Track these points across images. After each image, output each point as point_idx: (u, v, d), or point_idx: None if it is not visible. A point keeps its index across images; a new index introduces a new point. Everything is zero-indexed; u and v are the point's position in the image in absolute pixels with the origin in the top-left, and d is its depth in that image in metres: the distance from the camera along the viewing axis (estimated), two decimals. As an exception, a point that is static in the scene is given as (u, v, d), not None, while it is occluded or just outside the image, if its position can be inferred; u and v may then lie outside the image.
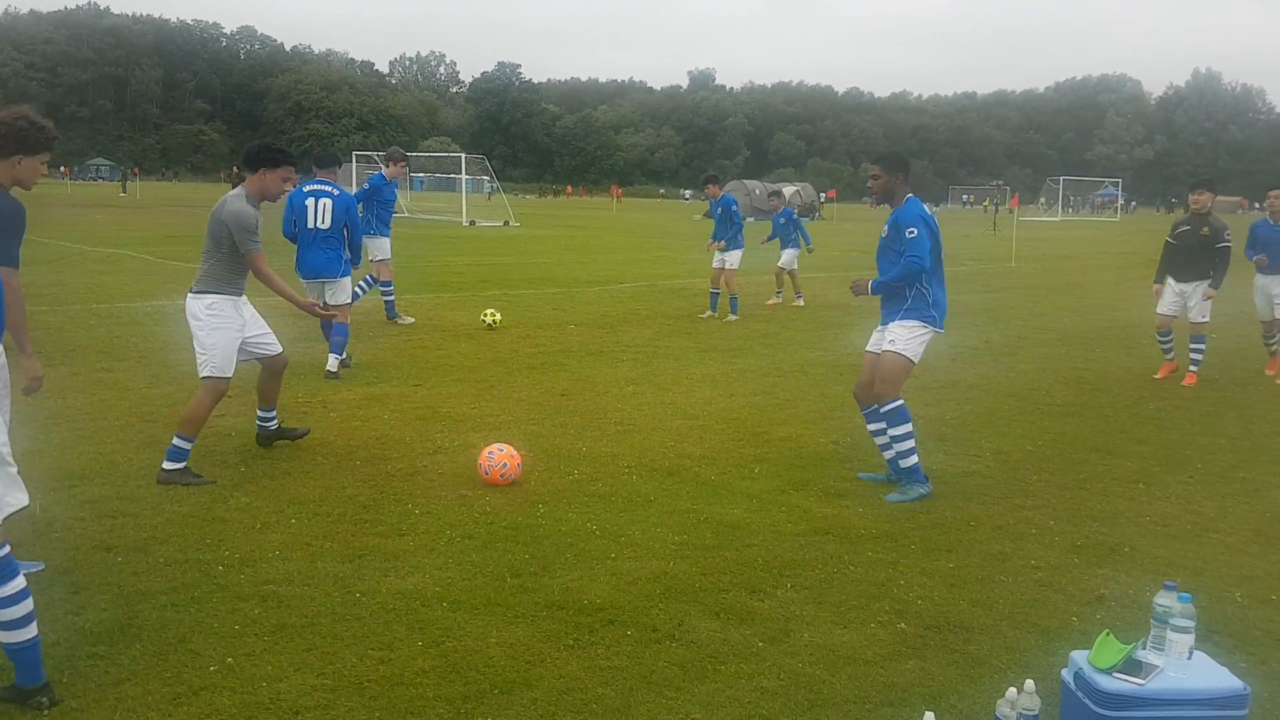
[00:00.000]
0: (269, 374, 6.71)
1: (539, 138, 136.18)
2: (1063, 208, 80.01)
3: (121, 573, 4.69)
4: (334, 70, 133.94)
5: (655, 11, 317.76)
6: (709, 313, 14.41)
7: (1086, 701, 3.30)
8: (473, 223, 40.99)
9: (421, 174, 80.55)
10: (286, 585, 4.60)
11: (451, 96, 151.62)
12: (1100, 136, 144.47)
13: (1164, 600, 3.45)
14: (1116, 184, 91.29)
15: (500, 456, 6.17)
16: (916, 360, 6.25)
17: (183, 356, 9.55)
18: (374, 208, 12.49)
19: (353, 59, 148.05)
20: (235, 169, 50.95)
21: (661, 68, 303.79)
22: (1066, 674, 3.46)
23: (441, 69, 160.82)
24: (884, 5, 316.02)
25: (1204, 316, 10.01)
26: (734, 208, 14.45)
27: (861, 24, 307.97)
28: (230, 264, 6.19)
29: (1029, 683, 3.33)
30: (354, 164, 53.52)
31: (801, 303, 16.10)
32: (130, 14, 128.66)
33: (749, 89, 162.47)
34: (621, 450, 7.07)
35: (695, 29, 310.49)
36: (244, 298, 6.38)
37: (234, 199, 6.20)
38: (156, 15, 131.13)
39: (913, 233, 6.03)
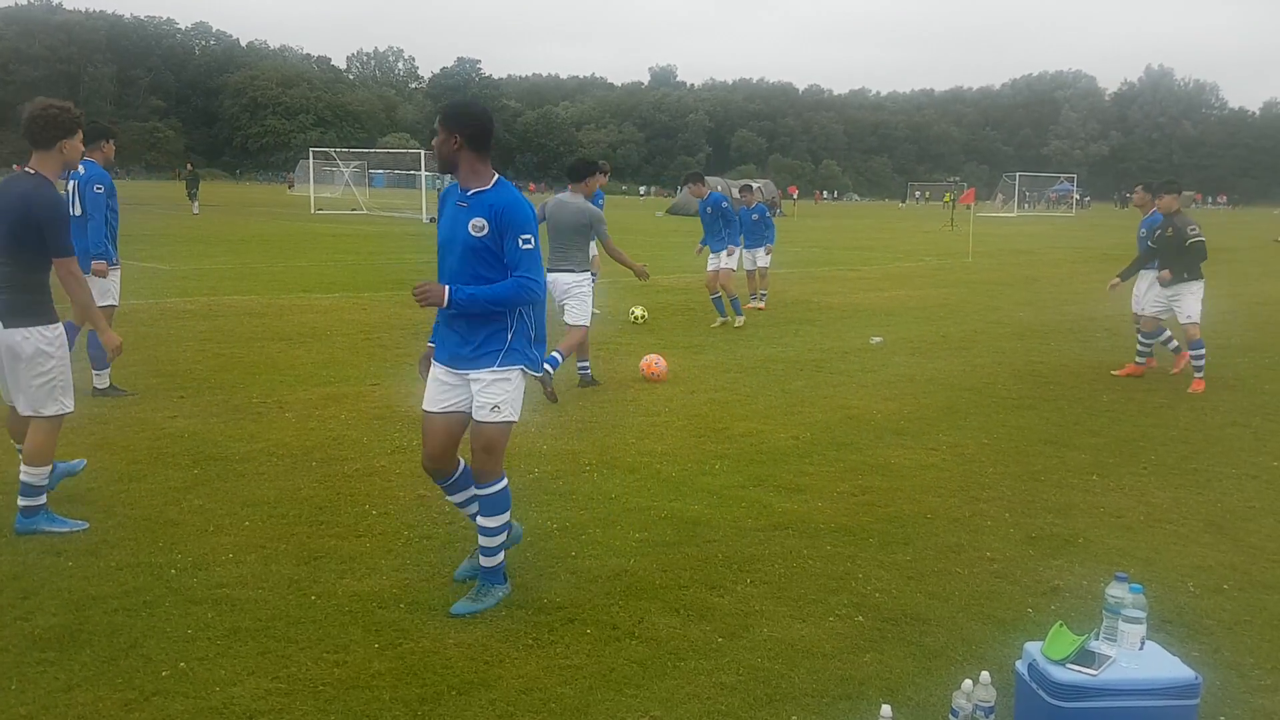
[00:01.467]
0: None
1: (499, 134, 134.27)
2: (1018, 203, 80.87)
3: (71, 577, 4.61)
4: (290, 66, 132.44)
5: (616, 8, 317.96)
6: (720, 320, 13.57)
7: (1040, 693, 3.33)
8: (433, 219, 40.50)
9: (380, 170, 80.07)
10: (240, 588, 4.54)
11: (410, 92, 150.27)
12: (1056, 132, 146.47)
13: (1115, 591, 3.49)
14: (1071, 179, 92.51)
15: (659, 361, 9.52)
16: (518, 418, 4.50)
17: (133, 358, 9.44)
18: None
19: (309, 54, 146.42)
20: (189, 166, 49.98)
21: (623, 64, 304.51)
22: (1020, 665, 3.50)
23: (400, 64, 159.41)
24: (844, 4, 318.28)
25: (1194, 318, 9.73)
26: (724, 204, 13.71)
27: (822, 22, 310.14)
28: (586, 246, 8.96)
29: (985, 674, 3.36)
30: (310, 161, 52.96)
31: (753, 304, 15.35)
32: (83, 10, 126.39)
33: (710, 86, 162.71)
34: (582, 448, 7.06)
35: (656, 25, 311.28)
36: None
37: (581, 201, 8.81)
38: (110, 11, 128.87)
39: (528, 242, 4.18)
